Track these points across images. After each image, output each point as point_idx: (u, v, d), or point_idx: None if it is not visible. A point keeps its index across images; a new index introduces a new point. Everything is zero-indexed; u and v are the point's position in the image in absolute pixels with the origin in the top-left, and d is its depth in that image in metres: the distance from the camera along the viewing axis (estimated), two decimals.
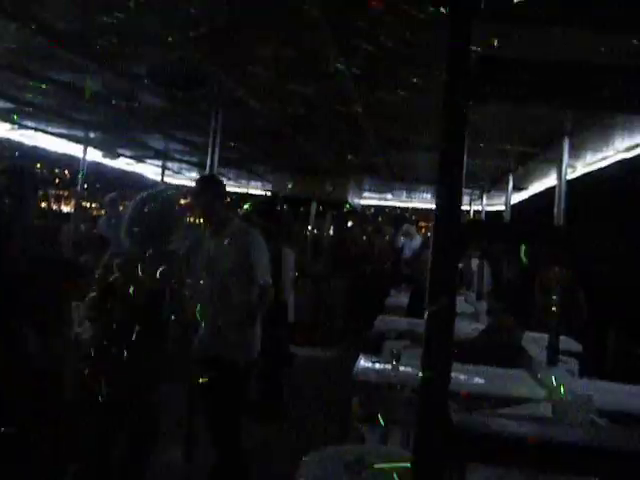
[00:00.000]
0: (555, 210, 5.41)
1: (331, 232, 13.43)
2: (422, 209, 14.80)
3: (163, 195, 4.46)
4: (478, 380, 4.92)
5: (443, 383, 1.31)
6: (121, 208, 9.46)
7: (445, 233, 1.44)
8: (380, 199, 14.55)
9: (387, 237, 13.69)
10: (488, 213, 11.50)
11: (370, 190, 13.31)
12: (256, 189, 14.34)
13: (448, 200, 1.48)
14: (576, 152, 6.04)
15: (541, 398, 4.69)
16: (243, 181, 13.98)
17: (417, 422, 1.27)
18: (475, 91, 1.64)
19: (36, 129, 8.42)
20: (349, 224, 15.44)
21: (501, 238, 1.36)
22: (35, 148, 9.10)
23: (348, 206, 11.89)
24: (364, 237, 13.21)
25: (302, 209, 11.94)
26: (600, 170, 6.64)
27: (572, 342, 7.30)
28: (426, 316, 1.40)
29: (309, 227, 12.76)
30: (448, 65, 1.65)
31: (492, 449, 1.21)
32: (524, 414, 4.31)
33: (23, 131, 8.42)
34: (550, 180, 8.45)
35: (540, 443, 1.21)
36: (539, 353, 5.74)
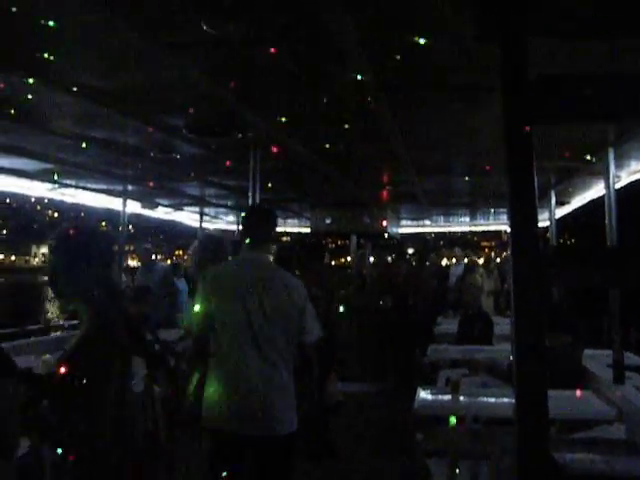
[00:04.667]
0: (606, 221, 5.30)
1: (372, 263, 13.33)
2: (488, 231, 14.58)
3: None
4: None
5: (542, 423, 1.23)
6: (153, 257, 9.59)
7: (524, 264, 1.37)
8: (418, 226, 14.45)
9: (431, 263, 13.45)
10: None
11: (408, 218, 13.24)
12: (293, 227, 14.39)
13: (523, 230, 1.42)
14: (620, 161, 5.92)
15: (612, 419, 4.53)
16: (280, 220, 14.02)
17: (518, 468, 1.20)
18: (537, 112, 1.59)
19: (76, 187, 8.57)
20: (390, 253, 15.34)
21: (591, 265, 1.29)
22: None
23: (387, 236, 11.82)
24: (405, 264, 13.06)
25: (342, 243, 11.92)
26: None
27: (635, 357, 7.07)
28: (514, 352, 1.33)
29: (349, 260, 12.72)
30: (504, 89, 1.61)
31: None
32: (596, 437, 4.16)
33: (64, 190, 8.58)
34: (593, 192, 8.31)
35: None
36: (603, 371, 5.57)
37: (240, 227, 3.80)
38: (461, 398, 4.95)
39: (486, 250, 29.65)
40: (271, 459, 3.42)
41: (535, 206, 1.46)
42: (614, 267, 1.27)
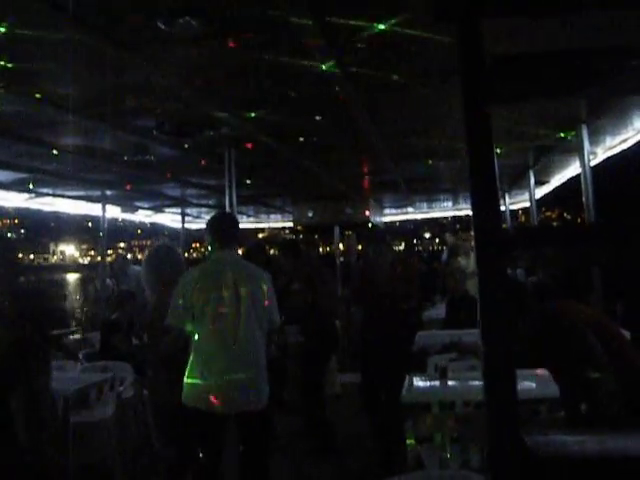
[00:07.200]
0: (583, 198, 5.33)
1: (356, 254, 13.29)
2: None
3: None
4: (529, 384, 4.77)
5: (510, 403, 1.22)
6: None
7: (487, 244, 1.36)
8: (401, 214, 14.45)
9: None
10: (512, 212, 11.38)
11: (391, 206, 13.24)
12: (277, 222, 14.36)
13: (485, 209, 1.40)
14: (595, 138, 5.94)
15: None
16: (263, 216, 14.01)
17: (489, 452, 1.19)
18: (495, 93, 1.58)
19: (54, 195, 8.50)
20: (374, 244, 15.28)
21: (550, 244, 1.28)
22: None
23: (370, 226, 11.80)
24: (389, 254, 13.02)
25: (325, 235, 11.89)
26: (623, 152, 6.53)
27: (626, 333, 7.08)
28: (481, 333, 1.32)
29: (333, 251, 12.70)
30: (462, 71, 1.59)
31: (575, 473, 1.12)
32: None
33: (41, 199, 8.50)
34: (571, 170, 8.34)
35: (625, 461, 1.12)
36: None
37: (208, 232, 4.13)
38: (449, 383, 4.96)
39: None
40: (255, 428, 3.91)
41: (496, 188, 1.44)
42: (576, 246, 1.26)
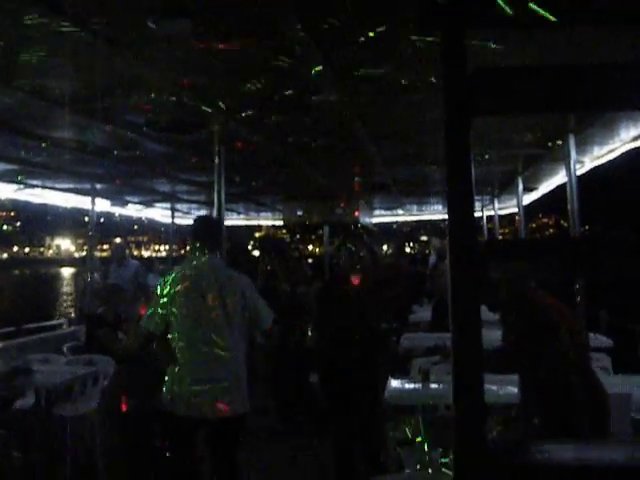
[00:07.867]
0: (569, 206, 5.38)
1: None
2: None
3: None
4: (512, 389, 4.81)
5: (477, 407, 1.25)
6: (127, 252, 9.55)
7: (461, 253, 1.39)
8: (391, 215, 14.50)
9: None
10: (501, 217, 11.45)
11: (381, 208, 13.28)
12: (267, 220, 14.38)
13: (460, 222, 1.43)
14: (582, 147, 6.00)
15: None
16: (253, 214, 14.03)
17: (454, 454, 1.22)
18: (475, 105, 1.60)
19: (43, 187, 8.48)
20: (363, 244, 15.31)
21: (522, 256, 1.31)
22: None
23: (360, 226, 11.84)
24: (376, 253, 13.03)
25: (315, 234, 11.93)
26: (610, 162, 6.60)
27: (602, 338, 7.14)
28: (452, 342, 1.35)
29: (323, 251, 12.74)
30: (444, 82, 1.62)
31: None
32: None
33: (30, 190, 8.49)
34: (559, 178, 8.40)
35: (589, 469, 1.14)
36: None
37: (194, 235, 4.07)
38: (432, 386, 4.98)
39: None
40: (229, 434, 3.91)
41: (472, 199, 1.47)
42: (545, 259, 1.28)
